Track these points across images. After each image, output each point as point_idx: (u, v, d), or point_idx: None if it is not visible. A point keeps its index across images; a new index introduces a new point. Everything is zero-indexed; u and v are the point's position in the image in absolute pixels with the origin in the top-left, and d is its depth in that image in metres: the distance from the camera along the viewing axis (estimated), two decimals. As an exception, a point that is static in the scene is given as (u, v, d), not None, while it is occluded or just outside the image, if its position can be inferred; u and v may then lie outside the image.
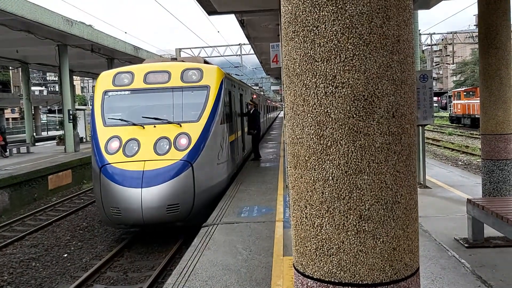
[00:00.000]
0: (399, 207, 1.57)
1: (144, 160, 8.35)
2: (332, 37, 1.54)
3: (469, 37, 47.99)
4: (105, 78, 9.87)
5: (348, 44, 1.53)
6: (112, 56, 24.56)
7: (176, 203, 8.13)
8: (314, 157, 1.59)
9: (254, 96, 22.08)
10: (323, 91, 1.56)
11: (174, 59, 12.44)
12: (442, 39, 48.87)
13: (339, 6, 1.52)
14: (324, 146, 1.57)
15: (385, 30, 1.54)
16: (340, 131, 1.54)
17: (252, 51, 26.45)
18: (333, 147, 1.56)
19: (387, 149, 1.55)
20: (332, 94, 1.55)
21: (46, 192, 15.13)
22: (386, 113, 1.55)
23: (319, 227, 1.59)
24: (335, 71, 1.54)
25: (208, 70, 9.96)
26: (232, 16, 12.54)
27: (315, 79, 1.58)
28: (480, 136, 6.85)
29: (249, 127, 15.09)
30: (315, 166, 1.59)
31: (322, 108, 1.57)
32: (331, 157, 1.56)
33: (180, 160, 8.43)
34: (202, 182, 8.66)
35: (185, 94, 9.52)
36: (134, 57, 25.02)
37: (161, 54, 37.98)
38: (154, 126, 8.98)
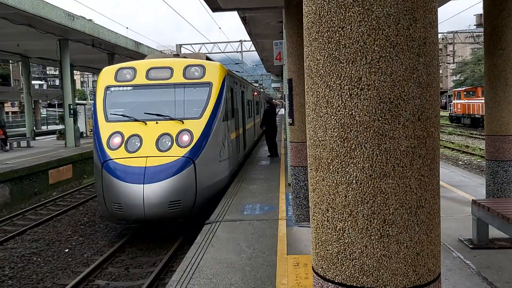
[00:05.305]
0: (423, 212, 1.56)
1: (146, 156, 8.32)
2: (358, 39, 1.52)
3: (469, 36, 47.93)
4: (107, 74, 9.82)
5: (375, 46, 1.51)
6: (113, 51, 24.47)
7: (178, 200, 8.11)
8: (337, 160, 1.57)
9: (255, 93, 22.05)
10: (348, 93, 1.54)
11: (176, 55, 12.40)
12: (443, 39, 48.76)
13: (366, 7, 1.50)
14: (348, 149, 1.55)
15: (412, 32, 1.52)
16: (364, 134, 1.52)
17: (253, 48, 26.31)
18: (357, 150, 1.53)
19: (412, 152, 1.53)
20: (357, 96, 1.53)
21: (47, 186, 15.09)
22: (412, 116, 1.53)
23: (341, 231, 1.57)
24: (361, 73, 1.52)
25: (210, 66, 9.91)
26: (234, 13, 12.49)
27: (340, 81, 1.55)
28: (481, 136, 6.82)
29: (262, 123, 15.99)
30: (338, 169, 1.57)
31: (347, 110, 1.54)
32: (355, 160, 1.54)
33: (182, 157, 8.40)
34: (204, 179, 8.64)
35: (187, 91, 9.48)
36: (135, 53, 24.95)
37: (162, 50, 37.82)
38: (156, 123, 8.94)
